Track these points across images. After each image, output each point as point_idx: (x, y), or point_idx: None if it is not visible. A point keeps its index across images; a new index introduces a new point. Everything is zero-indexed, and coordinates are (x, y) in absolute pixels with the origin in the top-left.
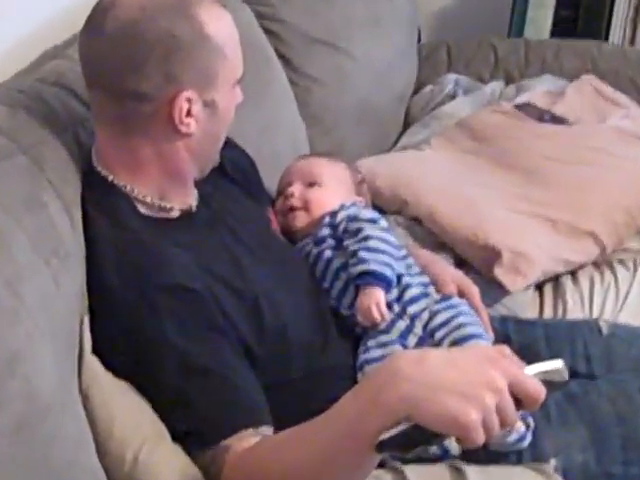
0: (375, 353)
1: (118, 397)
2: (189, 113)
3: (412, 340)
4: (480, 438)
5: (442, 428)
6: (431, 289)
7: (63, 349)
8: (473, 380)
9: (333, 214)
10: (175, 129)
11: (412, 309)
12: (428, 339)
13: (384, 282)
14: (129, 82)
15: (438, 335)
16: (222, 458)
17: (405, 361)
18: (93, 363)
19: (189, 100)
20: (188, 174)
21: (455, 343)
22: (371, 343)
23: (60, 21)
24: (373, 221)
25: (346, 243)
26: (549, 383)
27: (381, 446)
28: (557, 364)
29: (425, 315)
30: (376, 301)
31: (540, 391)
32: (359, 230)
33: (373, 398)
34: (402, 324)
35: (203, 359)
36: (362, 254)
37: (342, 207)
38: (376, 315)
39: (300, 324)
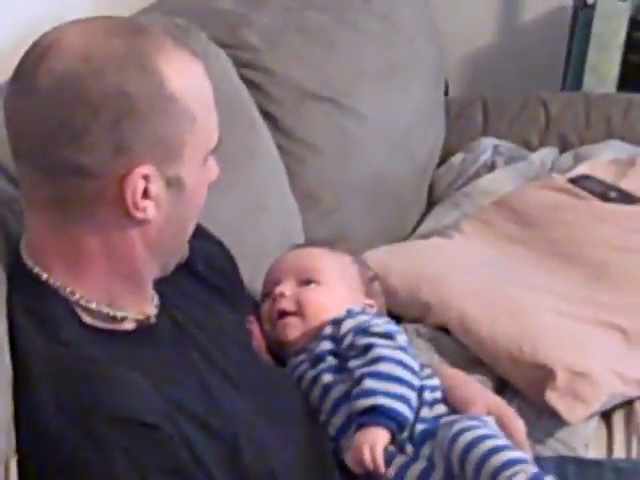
0: None
1: None
2: (146, 194)
3: None
4: None
5: None
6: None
7: None
8: None
9: (336, 323)
10: (127, 214)
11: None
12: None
13: (393, 422)
14: (67, 154)
15: (469, 468)
16: None
17: None
18: None
19: (146, 178)
20: (146, 273)
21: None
22: None
23: None
24: (388, 336)
25: (352, 365)
26: None
27: None
28: None
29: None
30: (372, 443)
31: None
32: (368, 348)
33: None
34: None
35: None
36: (368, 383)
37: (349, 314)
38: (367, 459)
39: (293, 471)
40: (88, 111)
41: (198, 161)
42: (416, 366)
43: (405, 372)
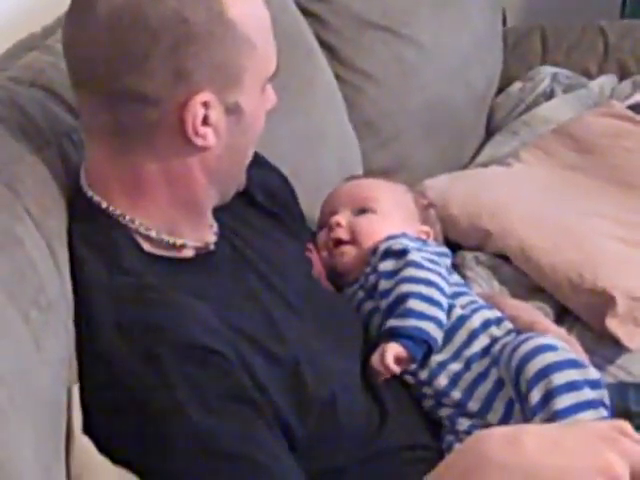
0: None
1: None
2: (206, 121)
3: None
4: None
5: None
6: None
7: (46, 429)
8: (585, 466)
9: (374, 252)
10: (188, 141)
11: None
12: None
13: (406, 338)
14: (128, 81)
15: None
16: None
17: (496, 443)
18: (85, 446)
19: (206, 104)
20: (205, 201)
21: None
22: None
23: (38, 1)
24: (402, 253)
25: (381, 287)
26: None
27: None
28: None
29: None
30: (383, 350)
31: None
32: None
33: None
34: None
35: (229, 441)
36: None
37: (386, 240)
38: (375, 360)
39: (353, 397)
40: (147, 37)
41: (256, 88)
42: (434, 277)
43: (414, 286)
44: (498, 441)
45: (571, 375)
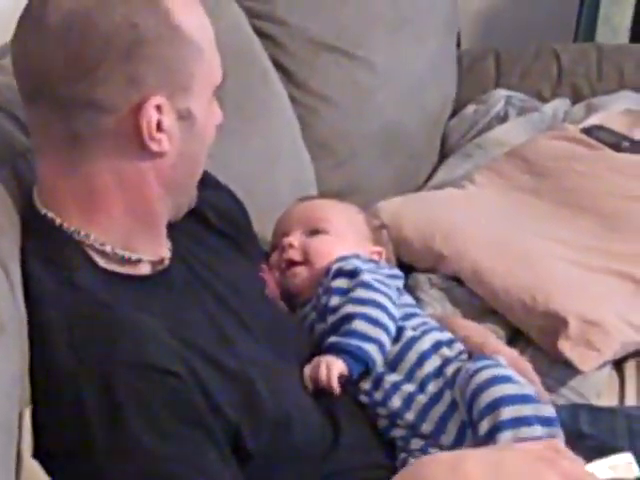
0: None
1: None
2: (160, 127)
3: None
4: None
5: None
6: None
7: None
8: None
9: (327, 273)
10: (143, 147)
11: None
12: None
13: (349, 355)
14: (81, 89)
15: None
16: None
17: (439, 469)
18: (34, 469)
19: (159, 108)
20: (160, 212)
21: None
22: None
23: None
24: (354, 274)
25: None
26: None
27: None
28: (626, 458)
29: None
30: (330, 364)
31: None
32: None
33: None
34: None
35: (176, 466)
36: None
37: (337, 260)
38: (322, 373)
39: (307, 415)
40: (99, 44)
41: (205, 96)
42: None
43: (361, 308)
44: (441, 467)
45: (521, 411)
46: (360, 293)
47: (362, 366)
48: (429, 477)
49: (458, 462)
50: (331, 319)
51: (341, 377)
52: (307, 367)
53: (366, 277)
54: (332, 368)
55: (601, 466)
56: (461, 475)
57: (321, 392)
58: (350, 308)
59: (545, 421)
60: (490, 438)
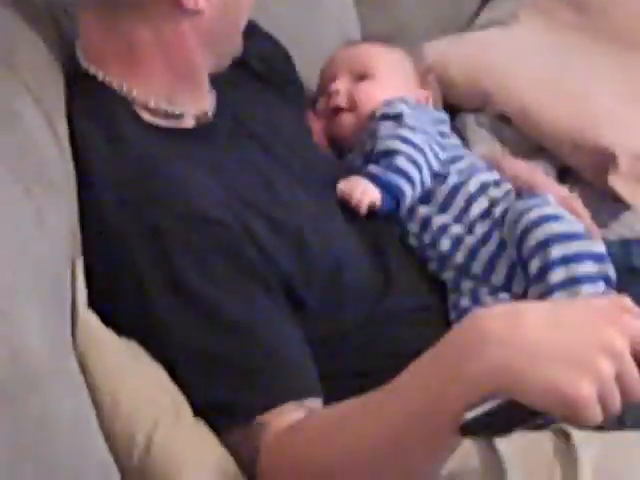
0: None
1: (123, 363)
2: None
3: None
4: (596, 416)
5: (546, 406)
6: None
7: (51, 303)
8: (584, 342)
9: (372, 117)
10: (178, 4)
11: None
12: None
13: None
14: None
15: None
16: (258, 439)
17: (495, 320)
18: (89, 319)
19: None
20: (200, 66)
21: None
22: None
23: None
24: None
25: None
26: None
27: (465, 428)
28: None
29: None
30: (364, 188)
31: None
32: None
33: (456, 367)
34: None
35: (233, 311)
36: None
37: (384, 105)
38: (355, 194)
39: (356, 260)
40: None
41: None
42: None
43: (405, 146)
44: (498, 317)
45: (571, 247)
46: (405, 133)
47: (395, 202)
48: (486, 326)
49: (516, 312)
50: (375, 149)
51: (372, 205)
52: (343, 182)
53: (410, 120)
54: (367, 194)
55: None
56: (518, 323)
57: (365, 232)
58: (396, 145)
59: (596, 257)
60: (541, 276)
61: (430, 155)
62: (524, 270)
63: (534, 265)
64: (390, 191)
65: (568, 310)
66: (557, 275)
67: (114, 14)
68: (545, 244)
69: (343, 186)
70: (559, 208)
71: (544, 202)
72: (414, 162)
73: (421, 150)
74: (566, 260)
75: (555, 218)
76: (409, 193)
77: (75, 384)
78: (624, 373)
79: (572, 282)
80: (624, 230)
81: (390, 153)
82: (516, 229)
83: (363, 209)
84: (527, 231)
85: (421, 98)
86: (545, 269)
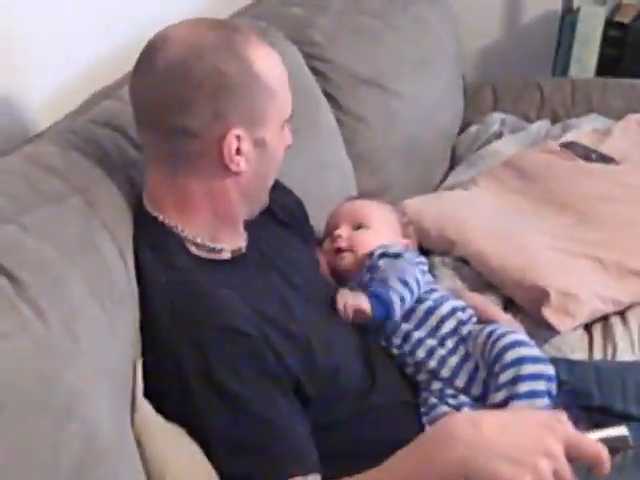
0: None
1: (170, 443)
2: (238, 151)
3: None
4: None
5: None
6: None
7: (118, 393)
8: (528, 446)
9: (371, 256)
10: (225, 167)
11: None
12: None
13: (383, 307)
14: (177, 119)
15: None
16: None
17: (460, 423)
18: (145, 407)
19: (238, 138)
20: (238, 215)
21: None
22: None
23: (111, 61)
24: (397, 255)
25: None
26: (612, 449)
27: None
28: (621, 431)
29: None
30: (357, 297)
31: (600, 448)
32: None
33: (429, 458)
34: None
35: (255, 405)
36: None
37: (380, 247)
38: (350, 301)
39: (350, 364)
40: (193, 86)
41: (277, 127)
42: (410, 276)
43: (400, 273)
44: (462, 422)
45: (537, 369)
46: (402, 264)
47: (385, 311)
48: (452, 429)
49: (477, 418)
50: (370, 278)
51: (362, 313)
52: (340, 294)
53: (408, 256)
54: (357, 302)
55: (598, 436)
56: (478, 428)
57: (362, 345)
58: (390, 272)
59: (548, 378)
60: (510, 386)
61: (414, 285)
62: (489, 381)
63: (506, 376)
64: (380, 301)
65: (518, 420)
66: (523, 387)
67: (175, 170)
68: (519, 362)
69: (339, 297)
70: (527, 337)
71: (513, 331)
72: (405, 284)
73: (412, 276)
74: (532, 377)
75: (524, 344)
76: (398, 309)
77: (132, 459)
78: (559, 471)
79: (533, 395)
80: (553, 351)
81: (384, 278)
82: (493, 350)
83: (349, 316)
84: (503, 351)
85: (404, 245)
86: (516, 380)
